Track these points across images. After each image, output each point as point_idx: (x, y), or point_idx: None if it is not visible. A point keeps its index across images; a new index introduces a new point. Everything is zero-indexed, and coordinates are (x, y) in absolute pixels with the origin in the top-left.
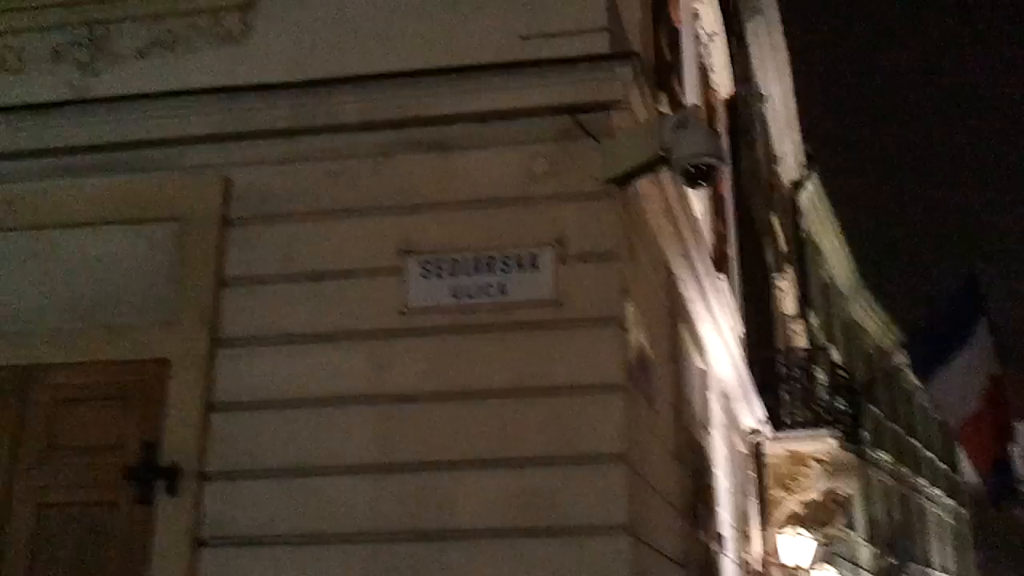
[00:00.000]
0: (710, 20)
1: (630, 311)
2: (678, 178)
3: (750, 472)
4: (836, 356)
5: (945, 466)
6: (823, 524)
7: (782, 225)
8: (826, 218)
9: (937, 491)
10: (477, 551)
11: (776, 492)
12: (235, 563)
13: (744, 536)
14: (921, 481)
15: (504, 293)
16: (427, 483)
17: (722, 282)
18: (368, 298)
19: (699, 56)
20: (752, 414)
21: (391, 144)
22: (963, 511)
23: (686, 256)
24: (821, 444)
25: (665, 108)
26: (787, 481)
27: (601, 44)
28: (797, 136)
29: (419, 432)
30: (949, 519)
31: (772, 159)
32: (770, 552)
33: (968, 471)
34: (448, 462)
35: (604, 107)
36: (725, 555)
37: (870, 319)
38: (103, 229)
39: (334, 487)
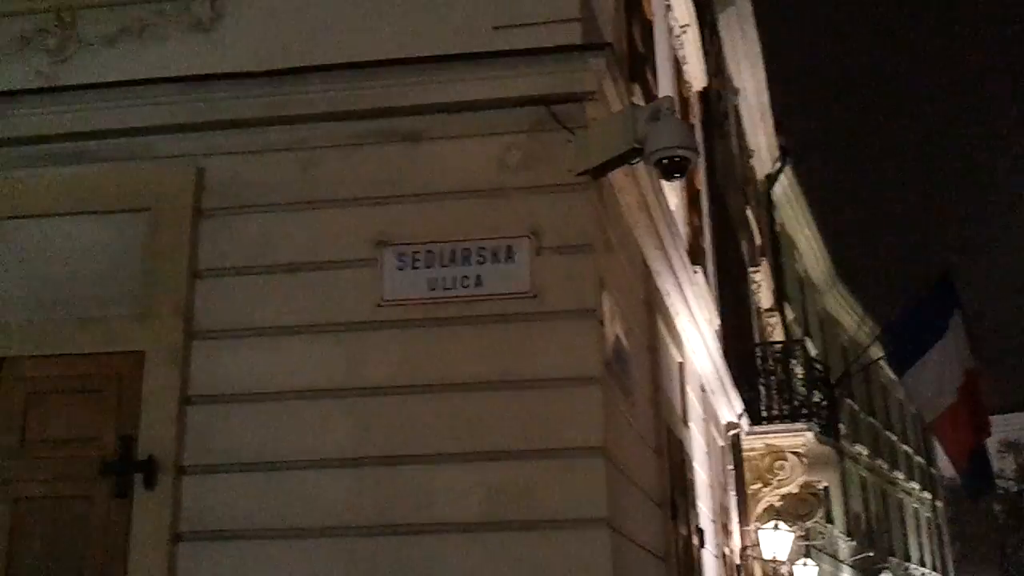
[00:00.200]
0: (683, 12)
1: (606, 303)
2: (652, 170)
3: (729, 466)
4: (812, 349)
5: (921, 460)
6: (801, 517)
7: (757, 218)
8: (800, 211)
9: (914, 484)
10: (454, 545)
11: (755, 485)
12: (212, 557)
13: (724, 530)
14: (898, 474)
15: (480, 285)
16: (404, 476)
17: (698, 275)
18: (343, 290)
19: (672, 48)
20: (730, 407)
21: (364, 134)
22: (939, 504)
23: (662, 249)
24: (798, 437)
25: (639, 100)
26: (765, 474)
27: (574, 35)
28: (771, 129)
29: (395, 425)
30: (926, 512)
31: (746, 152)
32: (750, 546)
33: (944, 465)
34: (425, 455)
35: (578, 98)
36: (705, 549)
37: (845, 312)
38: (74, 219)
39: (311, 480)
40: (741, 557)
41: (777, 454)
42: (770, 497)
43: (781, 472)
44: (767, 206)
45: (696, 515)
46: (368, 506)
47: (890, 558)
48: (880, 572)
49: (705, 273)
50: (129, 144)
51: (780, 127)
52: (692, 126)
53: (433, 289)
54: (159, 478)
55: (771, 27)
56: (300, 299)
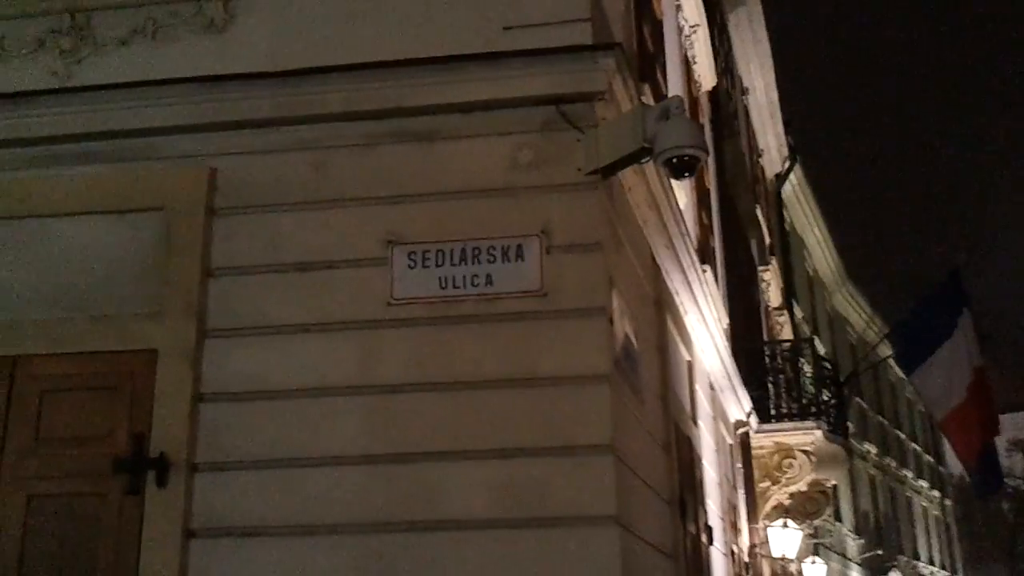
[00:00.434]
0: (692, 11)
1: (616, 302)
2: (662, 169)
3: (737, 464)
4: (821, 348)
5: (930, 458)
6: (810, 515)
7: (766, 217)
8: (810, 210)
9: (923, 483)
10: (465, 542)
11: (763, 484)
12: (224, 554)
13: (733, 528)
14: (907, 473)
15: (490, 284)
16: (415, 474)
17: (707, 274)
18: (354, 289)
19: (682, 48)
20: (739, 406)
21: (375, 134)
22: (948, 502)
23: (671, 247)
24: (807, 436)
25: (648, 99)
26: (774, 472)
27: (584, 34)
28: (780, 128)
29: (406, 423)
30: (935, 510)
31: (756, 151)
32: (758, 543)
33: (953, 463)
34: (436, 453)
35: (588, 98)
36: (714, 546)
37: (854, 311)
38: (87, 219)
39: (322, 478)
40: (750, 555)
41: (786, 452)
42: (779, 495)
43: (790, 470)
44: (776, 205)
45: (705, 513)
46: (379, 503)
47: (899, 556)
48: (889, 570)
49: (714, 272)
50: (142, 144)
51: (789, 126)
52: (701, 125)
53: (443, 288)
54: (171, 476)
55: (781, 26)
56: (311, 298)
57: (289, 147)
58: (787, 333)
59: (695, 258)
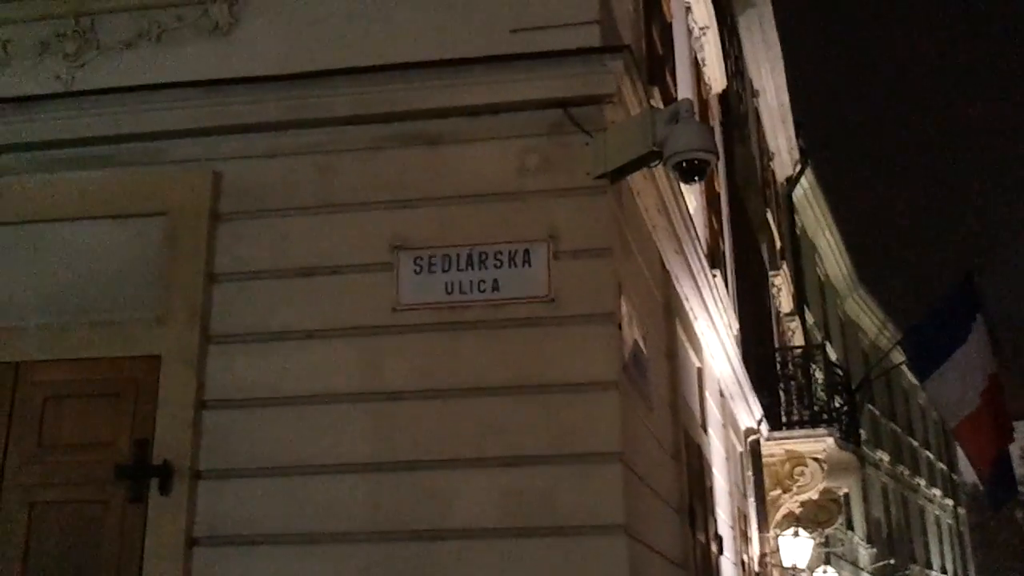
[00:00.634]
0: (702, 14)
1: (624, 307)
2: (671, 173)
3: (748, 472)
4: (833, 354)
5: (943, 466)
6: (821, 524)
7: (777, 221)
8: (821, 214)
9: (935, 491)
10: (472, 551)
11: (774, 492)
12: (228, 562)
13: (743, 537)
14: (919, 481)
15: (497, 289)
16: (421, 482)
17: (717, 279)
18: (360, 294)
19: (691, 50)
20: (749, 413)
21: (381, 138)
22: (962, 511)
23: (680, 252)
24: (818, 443)
25: (657, 102)
26: (785, 480)
27: (592, 37)
28: (791, 131)
29: (412, 430)
30: (948, 519)
31: (766, 155)
32: (769, 552)
33: (967, 471)
34: (442, 460)
35: (596, 101)
36: (723, 556)
37: (866, 316)
38: (91, 223)
39: (327, 486)
40: (760, 564)
41: (797, 460)
42: (790, 503)
43: (801, 478)
44: (787, 209)
45: (715, 521)
46: (384, 511)
47: (911, 565)
48: None
49: (724, 277)
50: (146, 148)
51: (800, 129)
52: (711, 128)
53: (450, 293)
54: (174, 483)
55: (792, 28)
56: (316, 303)
57: (294, 151)
58: (798, 339)
59: (705, 263)
